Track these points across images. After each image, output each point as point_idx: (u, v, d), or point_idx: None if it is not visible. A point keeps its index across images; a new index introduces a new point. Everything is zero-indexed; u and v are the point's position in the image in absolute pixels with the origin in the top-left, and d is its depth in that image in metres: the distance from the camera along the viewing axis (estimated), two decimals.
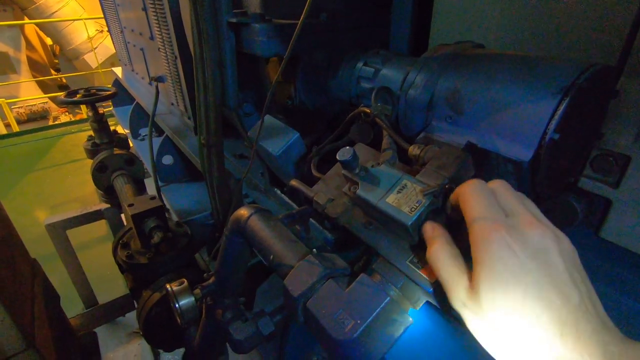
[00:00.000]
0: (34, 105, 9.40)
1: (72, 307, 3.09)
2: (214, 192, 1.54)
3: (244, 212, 1.06)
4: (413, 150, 0.75)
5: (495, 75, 0.78)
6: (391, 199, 0.64)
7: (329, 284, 0.74)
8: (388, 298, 0.67)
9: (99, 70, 8.75)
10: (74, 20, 8.94)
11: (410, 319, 0.70)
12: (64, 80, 10.97)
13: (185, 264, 1.46)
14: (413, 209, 0.61)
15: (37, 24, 9.46)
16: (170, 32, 1.99)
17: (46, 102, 9.53)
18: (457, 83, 0.84)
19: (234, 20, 1.18)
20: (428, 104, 0.89)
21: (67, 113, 9.98)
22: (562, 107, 0.67)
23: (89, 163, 2.64)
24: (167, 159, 2.76)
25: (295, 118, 1.53)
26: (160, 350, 2.74)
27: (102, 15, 3.82)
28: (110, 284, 3.41)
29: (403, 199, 0.63)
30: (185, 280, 1.11)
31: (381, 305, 0.66)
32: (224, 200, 1.58)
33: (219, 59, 1.19)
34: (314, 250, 1.02)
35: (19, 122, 8.61)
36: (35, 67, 10.31)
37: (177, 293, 1.07)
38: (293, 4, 1.31)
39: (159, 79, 2.57)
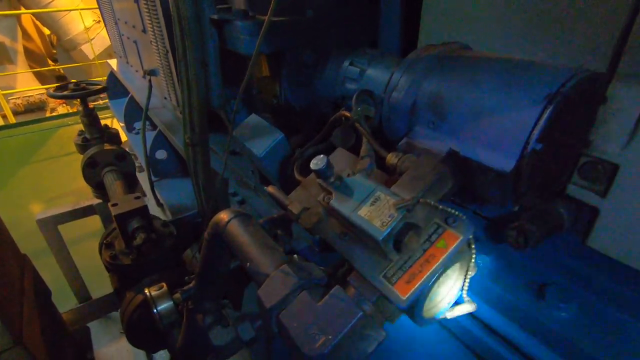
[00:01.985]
0: (31, 96, 9.33)
1: (65, 302, 3.09)
2: (199, 190, 1.51)
3: (223, 215, 1.03)
4: (391, 159, 0.72)
5: (479, 81, 0.74)
6: (364, 211, 0.62)
7: (303, 296, 0.72)
8: (360, 313, 0.65)
9: (96, 62, 8.66)
10: (69, 10, 8.82)
11: (384, 333, 0.68)
12: (62, 71, 10.87)
13: (170, 264, 1.45)
14: (385, 223, 0.58)
15: (33, 14, 9.35)
16: (161, 25, 1.95)
17: (43, 93, 9.44)
18: (440, 87, 0.81)
19: (216, 17, 1.14)
20: (411, 108, 0.86)
21: (64, 104, 9.90)
22: (545, 116, 0.64)
23: None
24: (161, 154, 2.73)
25: (282, 117, 1.50)
26: None
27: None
28: (104, 279, 3.40)
29: (376, 212, 0.60)
30: (165, 285, 1.09)
31: (353, 321, 0.64)
32: (210, 199, 1.55)
33: (202, 58, 1.15)
34: (295, 255, 1.00)
35: (15, 113, 8.55)
36: (33, 57, 10.21)
37: (155, 298, 1.06)
38: None
39: (152, 73, 2.53)
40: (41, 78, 9.91)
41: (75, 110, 8.95)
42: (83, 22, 8.80)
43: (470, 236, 0.63)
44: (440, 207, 0.61)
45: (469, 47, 0.91)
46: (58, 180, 5.41)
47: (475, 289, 1.10)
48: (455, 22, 1.05)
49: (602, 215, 0.90)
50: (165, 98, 2.63)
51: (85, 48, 9.40)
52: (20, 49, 9.25)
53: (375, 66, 1.05)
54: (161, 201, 2.54)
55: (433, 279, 0.61)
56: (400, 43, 1.26)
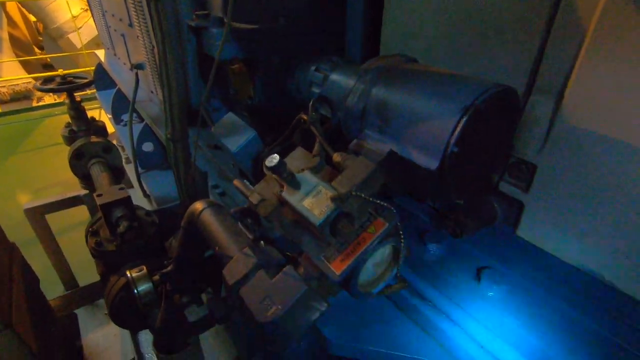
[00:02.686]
0: (17, 85, 9.19)
1: (53, 290, 3.17)
2: (180, 183, 1.62)
3: (198, 205, 1.15)
4: (336, 158, 0.84)
5: (414, 91, 0.87)
6: (307, 202, 0.74)
7: (260, 274, 0.84)
8: (305, 287, 0.77)
9: (83, 52, 8.57)
10: None
11: (326, 304, 0.80)
12: (48, 60, 10.70)
13: (152, 251, 1.55)
14: (322, 212, 0.71)
15: (19, 1, 9.18)
16: (147, 21, 2.02)
17: (30, 82, 9.31)
18: (385, 95, 0.93)
19: (193, 24, 1.23)
20: (362, 112, 0.98)
21: (51, 94, 9.78)
22: (460, 125, 0.76)
23: None
24: (148, 146, 2.80)
25: (260, 115, 1.61)
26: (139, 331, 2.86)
27: None
28: (91, 267, 3.48)
29: (316, 203, 0.73)
30: (145, 267, 1.20)
31: (299, 294, 0.77)
32: (190, 191, 1.66)
33: (181, 60, 1.25)
34: (262, 242, 1.12)
35: (1, 103, 8.44)
36: (18, 44, 10.03)
37: (136, 279, 1.17)
38: (255, 7, 1.37)
39: (139, 66, 2.58)
40: (27, 66, 9.76)
41: (62, 99, 8.86)
42: (70, 10, 8.68)
43: (397, 223, 0.76)
44: (370, 199, 0.74)
45: (414, 60, 1.03)
46: (45, 171, 5.42)
47: (424, 273, 1.24)
48: (410, 35, 1.17)
49: (526, 209, 1.04)
50: (152, 92, 2.70)
51: (73, 37, 9.27)
52: (5, 36, 9.09)
53: (337, 73, 1.16)
54: (148, 192, 2.63)
55: (363, 258, 0.74)
56: (363, 51, 1.38)
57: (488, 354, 1.07)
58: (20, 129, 6.76)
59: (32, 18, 10.73)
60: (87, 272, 3.39)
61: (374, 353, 1.18)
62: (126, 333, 2.85)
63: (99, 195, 1.46)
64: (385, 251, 0.81)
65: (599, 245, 0.92)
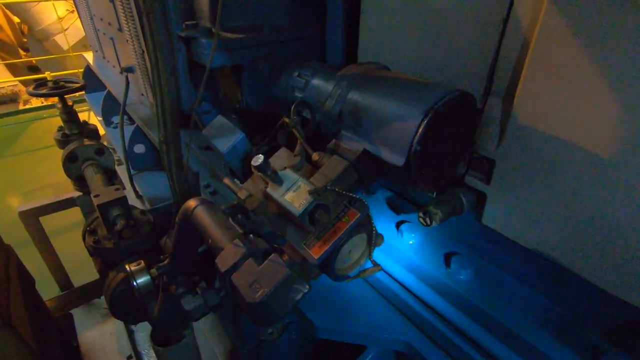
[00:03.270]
0: (3, 88, 9.07)
1: (48, 291, 3.22)
2: (173, 183, 1.71)
3: (191, 203, 1.24)
4: (315, 157, 0.95)
5: (383, 96, 0.98)
6: (289, 196, 0.84)
7: (249, 262, 0.94)
8: (289, 272, 0.88)
9: (71, 54, 8.50)
10: (40, 0, 8.59)
11: (308, 286, 0.91)
12: (34, 62, 10.57)
13: (148, 248, 1.64)
14: (301, 205, 0.81)
15: (2, 3, 9.05)
16: (137, 26, 2.08)
17: (16, 84, 9.20)
18: (358, 99, 1.03)
19: (183, 34, 1.32)
20: (338, 115, 1.08)
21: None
22: (422, 126, 0.87)
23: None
24: (139, 148, 2.87)
25: (248, 118, 1.70)
26: (134, 329, 2.93)
27: None
28: (85, 268, 3.53)
29: (296, 197, 0.83)
30: (143, 261, 1.29)
31: (283, 278, 0.87)
32: (183, 191, 1.75)
33: (172, 67, 1.34)
34: (251, 235, 1.22)
35: None
36: (3, 47, 9.90)
37: (134, 272, 1.26)
38: (242, 17, 1.46)
39: (129, 70, 2.64)
40: (13, 69, 9.64)
41: (50, 102, 8.78)
42: (56, 11, 8.60)
43: (368, 213, 0.87)
44: (344, 192, 0.84)
45: (386, 67, 1.14)
46: (35, 174, 5.42)
47: (400, 260, 1.36)
48: (384, 43, 1.28)
49: (488, 199, 1.15)
50: (142, 94, 2.76)
51: (59, 38, 9.18)
52: None
53: (317, 78, 1.26)
54: (140, 193, 2.70)
55: (339, 244, 0.84)
56: (343, 58, 1.48)
57: (460, 333, 1.19)
58: (9, 132, 6.71)
59: (16, 19, 10.58)
60: (81, 273, 3.44)
61: (357, 335, 1.29)
62: (122, 331, 2.93)
63: (96, 196, 1.54)
64: (359, 238, 0.91)
65: (550, 231, 1.04)
